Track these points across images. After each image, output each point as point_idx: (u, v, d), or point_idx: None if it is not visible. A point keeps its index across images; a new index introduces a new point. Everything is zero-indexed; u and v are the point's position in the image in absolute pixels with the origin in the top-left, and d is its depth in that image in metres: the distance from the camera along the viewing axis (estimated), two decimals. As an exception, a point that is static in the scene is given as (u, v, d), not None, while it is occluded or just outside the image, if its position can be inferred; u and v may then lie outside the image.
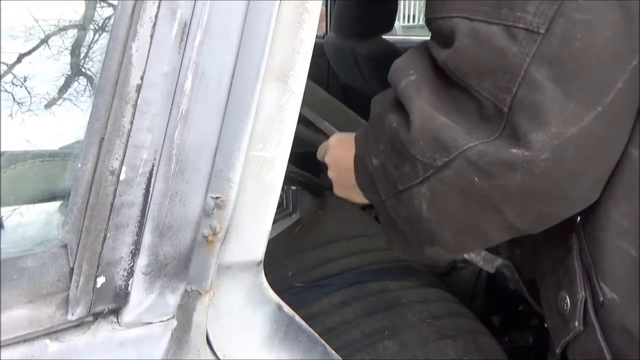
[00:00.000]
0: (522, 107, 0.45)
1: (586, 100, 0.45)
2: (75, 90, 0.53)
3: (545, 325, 0.65)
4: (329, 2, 2.38)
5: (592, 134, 0.45)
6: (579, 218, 0.55)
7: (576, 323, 0.54)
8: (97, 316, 0.44)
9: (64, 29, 0.55)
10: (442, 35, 0.50)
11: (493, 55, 0.46)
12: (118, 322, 0.45)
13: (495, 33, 0.46)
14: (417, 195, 0.53)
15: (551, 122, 0.45)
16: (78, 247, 0.41)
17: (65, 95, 0.54)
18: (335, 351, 0.58)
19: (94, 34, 0.53)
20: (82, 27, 0.54)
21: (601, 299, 0.51)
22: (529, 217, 0.52)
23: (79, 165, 0.42)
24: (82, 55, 0.54)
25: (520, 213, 0.51)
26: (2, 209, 0.48)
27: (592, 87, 0.45)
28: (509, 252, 1.02)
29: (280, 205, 0.99)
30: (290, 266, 1.01)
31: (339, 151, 0.75)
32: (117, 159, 0.41)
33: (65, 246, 0.43)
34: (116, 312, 0.45)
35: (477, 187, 0.49)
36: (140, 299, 0.44)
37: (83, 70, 0.54)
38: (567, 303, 0.55)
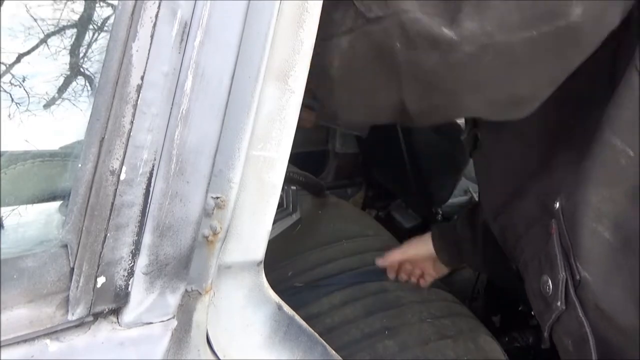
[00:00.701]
0: None
1: (532, 20, 0.45)
2: (74, 90, 0.53)
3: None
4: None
5: (516, 52, 0.46)
6: (557, 204, 0.58)
7: (558, 303, 0.56)
8: (97, 316, 0.44)
9: (64, 28, 0.55)
10: None
11: None
12: (118, 322, 0.45)
13: None
14: (335, 49, 0.51)
15: (491, 20, 0.45)
16: (78, 247, 0.41)
17: (64, 95, 0.54)
18: (336, 351, 0.58)
19: (94, 34, 0.53)
20: (81, 27, 0.54)
21: (578, 277, 0.54)
22: (423, 103, 0.53)
23: (79, 165, 0.42)
24: (81, 55, 0.54)
25: (419, 96, 0.52)
26: (2, 209, 0.48)
27: (546, 13, 0.45)
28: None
29: (280, 205, 0.99)
30: (291, 266, 1.01)
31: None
32: (117, 159, 0.41)
33: (66, 246, 0.43)
34: (116, 312, 0.45)
35: (394, 53, 0.48)
36: (140, 299, 0.44)
37: (83, 70, 0.54)
38: (549, 285, 0.58)
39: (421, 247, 0.94)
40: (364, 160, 1.78)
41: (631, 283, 0.50)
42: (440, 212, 1.49)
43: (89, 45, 0.53)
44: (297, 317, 0.55)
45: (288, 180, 1.12)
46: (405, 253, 0.96)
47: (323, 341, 0.57)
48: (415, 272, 0.97)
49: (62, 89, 0.54)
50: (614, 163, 0.50)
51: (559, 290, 0.56)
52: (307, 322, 0.56)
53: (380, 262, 0.97)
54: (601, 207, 0.51)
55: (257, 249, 0.51)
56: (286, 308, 0.54)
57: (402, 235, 1.13)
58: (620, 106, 0.50)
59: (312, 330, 0.56)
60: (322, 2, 0.47)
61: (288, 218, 1.12)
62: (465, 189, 1.55)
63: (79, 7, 0.56)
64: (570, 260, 0.55)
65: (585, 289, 0.54)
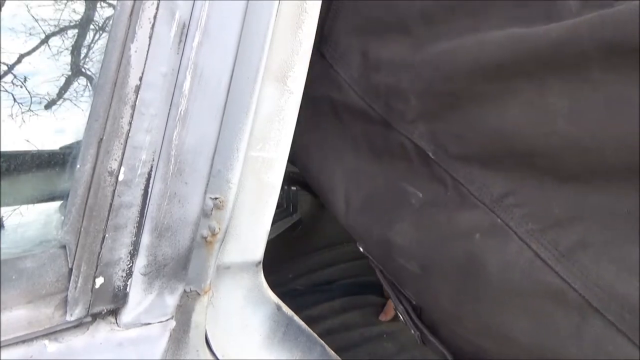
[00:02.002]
0: None
1: None
2: (75, 90, 0.53)
3: None
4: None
5: None
6: (361, 248, 0.61)
7: (412, 331, 0.59)
8: (95, 317, 0.44)
9: (65, 29, 0.55)
10: None
11: None
12: (117, 322, 0.45)
13: None
14: None
15: None
16: (77, 247, 0.41)
17: (65, 96, 0.54)
18: (335, 352, 0.58)
19: (94, 35, 0.53)
20: (81, 27, 0.54)
21: (413, 302, 0.57)
22: None
23: (78, 166, 0.42)
24: (81, 56, 0.54)
25: None
26: (2, 209, 0.48)
27: None
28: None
29: (280, 205, 0.99)
30: (291, 268, 1.01)
31: None
32: (115, 159, 0.41)
33: (64, 247, 0.43)
34: (115, 312, 0.45)
35: None
36: (138, 299, 0.44)
37: (83, 70, 0.54)
38: (401, 317, 0.61)
39: None
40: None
41: (448, 305, 0.51)
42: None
43: (90, 45, 0.54)
44: (296, 318, 0.55)
45: (288, 180, 1.12)
46: None
47: (322, 341, 0.57)
48: None
49: (62, 90, 0.54)
50: (406, 204, 0.52)
51: (406, 320, 0.58)
52: (307, 324, 0.56)
53: (382, 317, 1.02)
54: (397, 241, 0.53)
55: (256, 250, 0.51)
56: (285, 308, 0.54)
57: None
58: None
59: (311, 331, 0.56)
60: (320, 2, 0.47)
61: (288, 218, 1.12)
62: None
63: (80, 7, 0.56)
64: (401, 291, 0.57)
65: (426, 313, 0.56)
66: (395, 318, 1.01)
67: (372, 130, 0.54)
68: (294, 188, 1.14)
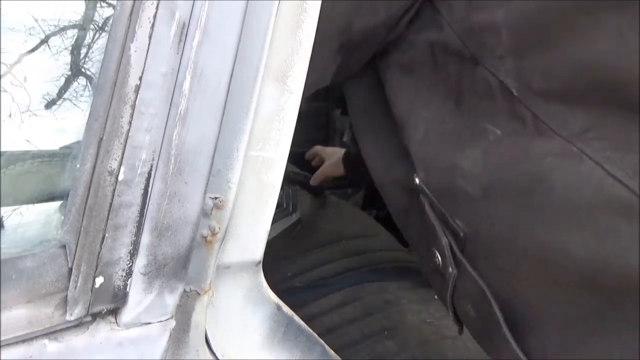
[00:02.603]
0: None
1: None
2: (74, 90, 0.53)
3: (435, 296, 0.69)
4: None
5: None
6: (417, 180, 0.62)
7: (450, 269, 0.58)
8: (95, 316, 0.44)
9: (64, 29, 0.55)
10: None
11: None
12: (117, 322, 0.45)
13: None
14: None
15: None
16: (77, 247, 0.41)
17: (65, 95, 0.54)
18: (335, 351, 0.58)
19: (94, 34, 0.53)
20: (81, 27, 0.54)
21: (461, 234, 0.56)
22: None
23: (78, 166, 0.42)
24: (81, 56, 0.54)
25: None
26: (2, 209, 0.48)
27: None
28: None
29: (280, 205, 0.99)
30: (290, 266, 1.01)
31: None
32: (115, 159, 0.41)
33: (64, 246, 0.43)
34: (115, 312, 0.45)
35: None
36: (138, 299, 0.44)
37: (83, 70, 0.54)
38: (437, 257, 0.60)
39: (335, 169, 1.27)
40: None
41: (501, 228, 0.53)
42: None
43: (90, 45, 0.54)
44: (296, 318, 0.55)
45: (288, 180, 1.12)
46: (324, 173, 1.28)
47: (322, 341, 0.57)
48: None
49: (62, 89, 0.54)
50: (483, 138, 0.54)
51: (447, 255, 0.58)
52: (307, 322, 0.56)
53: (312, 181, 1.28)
54: (463, 165, 0.55)
55: (256, 249, 0.51)
56: (285, 308, 0.54)
57: (402, 235, 1.13)
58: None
59: (311, 331, 0.56)
60: (320, 2, 0.47)
61: (288, 218, 1.12)
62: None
63: (80, 7, 0.56)
64: (449, 222, 0.58)
65: (470, 244, 0.56)
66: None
67: (461, 69, 0.56)
68: (294, 188, 1.15)
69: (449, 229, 0.58)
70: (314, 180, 1.27)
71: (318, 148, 1.41)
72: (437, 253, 0.60)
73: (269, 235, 0.52)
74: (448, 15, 0.56)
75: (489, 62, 0.52)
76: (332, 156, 1.31)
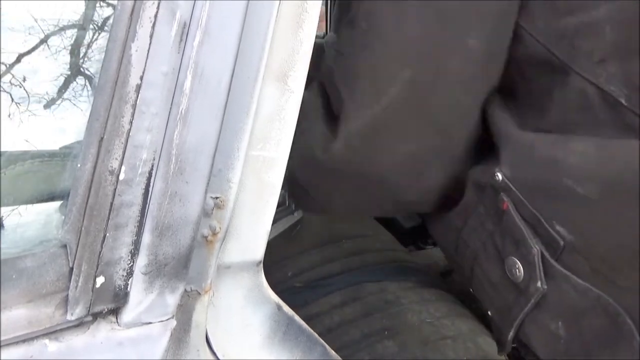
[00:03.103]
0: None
1: (363, 102, 0.54)
2: (74, 90, 0.53)
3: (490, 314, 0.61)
4: (329, 2, 2.38)
5: (372, 127, 0.55)
6: (499, 176, 0.54)
7: (538, 284, 0.50)
8: (96, 316, 0.44)
9: (64, 28, 0.55)
10: None
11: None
12: (117, 322, 0.45)
13: None
14: None
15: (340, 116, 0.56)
16: (77, 247, 0.41)
17: (64, 95, 0.54)
18: (335, 351, 0.58)
19: (94, 34, 0.53)
20: (81, 27, 0.54)
21: (561, 243, 0.49)
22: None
23: (79, 165, 0.42)
24: (81, 55, 0.54)
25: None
26: (2, 209, 0.48)
27: (366, 92, 0.54)
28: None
29: (282, 203, 0.99)
30: (290, 266, 1.01)
31: None
32: (116, 159, 0.41)
33: (65, 246, 0.43)
34: (115, 312, 0.45)
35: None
36: (139, 298, 0.44)
37: (82, 70, 0.54)
38: (518, 269, 0.52)
39: None
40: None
41: (619, 233, 0.46)
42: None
43: (90, 45, 0.53)
44: (297, 317, 0.55)
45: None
46: None
47: (322, 341, 0.57)
48: None
49: (62, 89, 0.54)
50: (576, 107, 0.48)
51: (536, 267, 0.50)
52: (307, 322, 0.56)
53: None
54: (570, 160, 0.48)
55: (257, 249, 0.51)
56: (285, 308, 0.54)
57: (402, 235, 1.13)
58: None
59: (312, 330, 0.56)
60: (321, 2, 0.47)
61: (289, 217, 1.12)
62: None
63: (79, 7, 0.56)
64: (542, 228, 0.50)
65: (570, 255, 0.48)
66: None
67: (550, 80, 0.50)
68: None
69: (540, 235, 0.50)
70: None
71: None
72: (520, 263, 0.51)
73: (270, 234, 0.51)
74: (527, 24, 0.51)
75: (585, 68, 0.46)
76: None
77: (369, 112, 0.54)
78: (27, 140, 0.52)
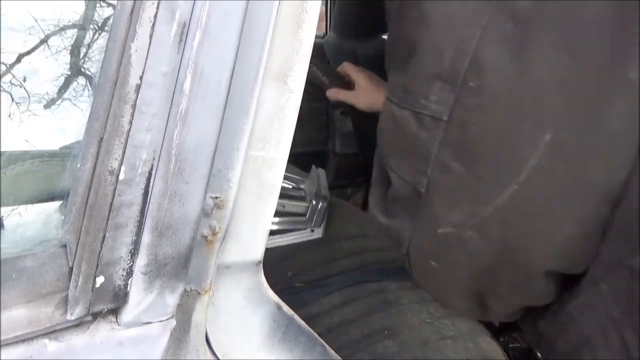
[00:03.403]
0: (437, 189, 0.46)
1: (498, 180, 0.44)
2: (74, 90, 0.53)
3: None
4: (329, 2, 2.38)
5: (513, 210, 0.45)
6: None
7: None
8: (96, 316, 0.44)
9: (64, 28, 0.55)
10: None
11: (407, 139, 0.48)
12: (117, 321, 0.45)
13: (407, 118, 0.48)
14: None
15: (463, 202, 0.46)
16: (77, 247, 0.41)
17: (64, 95, 0.54)
18: (335, 351, 0.58)
19: (94, 34, 0.53)
20: (81, 27, 0.54)
21: None
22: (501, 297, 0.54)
23: (78, 165, 0.42)
24: (81, 55, 0.54)
25: (487, 288, 0.53)
26: (2, 209, 0.48)
27: (501, 167, 0.44)
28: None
29: (302, 214, 0.95)
30: (290, 266, 1.01)
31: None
32: (116, 159, 0.41)
33: (65, 246, 0.43)
34: (115, 311, 0.45)
35: (437, 270, 0.52)
36: (139, 298, 0.44)
37: (82, 70, 0.54)
38: None
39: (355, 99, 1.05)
40: (364, 160, 1.78)
41: None
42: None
43: (90, 45, 0.54)
44: (297, 317, 0.55)
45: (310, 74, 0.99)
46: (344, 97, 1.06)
47: (322, 341, 0.57)
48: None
49: (62, 89, 0.54)
50: None
51: None
52: (307, 322, 0.56)
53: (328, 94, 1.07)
54: None
55: (256, 249, 0.51)
56: (285, 308, 0.54)
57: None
58: None
59: (312, 330, 0.56)
60: (321, 1, 0.47)
61: (307, 233, 1.00)
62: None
63: (79, 7, 0.56)
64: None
65: None
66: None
67: None
68: (325, 205, 1.04)
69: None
70: (330, 93, 1.09)
71: (350, 69, 1.11)
72: None
73: (283, 242, 0.51)
74: None
75: None
76: (361, 84, 1.06)
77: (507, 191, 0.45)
78: (27, 140, 0.52)
